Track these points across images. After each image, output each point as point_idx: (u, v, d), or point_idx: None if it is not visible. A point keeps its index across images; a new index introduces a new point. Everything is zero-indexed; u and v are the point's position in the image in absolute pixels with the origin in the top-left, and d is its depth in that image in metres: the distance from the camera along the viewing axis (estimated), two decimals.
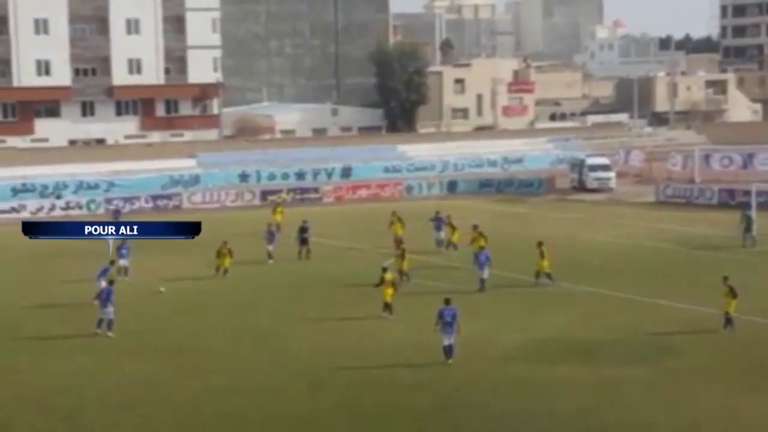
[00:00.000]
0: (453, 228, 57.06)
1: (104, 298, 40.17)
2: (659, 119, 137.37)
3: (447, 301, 36.08)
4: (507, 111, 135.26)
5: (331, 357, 36.66)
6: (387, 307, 42.13)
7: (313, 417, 30.56)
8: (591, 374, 33.96)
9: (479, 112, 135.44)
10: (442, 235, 58.36)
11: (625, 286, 46.86)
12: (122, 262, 50.95)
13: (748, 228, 57.25)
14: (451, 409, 30.93)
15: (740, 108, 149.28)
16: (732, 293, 39.02)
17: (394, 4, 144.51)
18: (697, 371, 34.18)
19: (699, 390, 32.18)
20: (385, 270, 43.25)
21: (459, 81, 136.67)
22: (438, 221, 59.10)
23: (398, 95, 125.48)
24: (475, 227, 52.85)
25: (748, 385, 32.61)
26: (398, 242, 51.85)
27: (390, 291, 42.30)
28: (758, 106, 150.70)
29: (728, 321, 38.95)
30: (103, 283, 42.46)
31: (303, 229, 56.91)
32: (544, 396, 31.82)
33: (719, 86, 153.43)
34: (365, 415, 30.71)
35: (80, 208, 76.74)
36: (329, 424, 30.08)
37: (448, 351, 35.38)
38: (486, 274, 46.93)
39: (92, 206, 77.06)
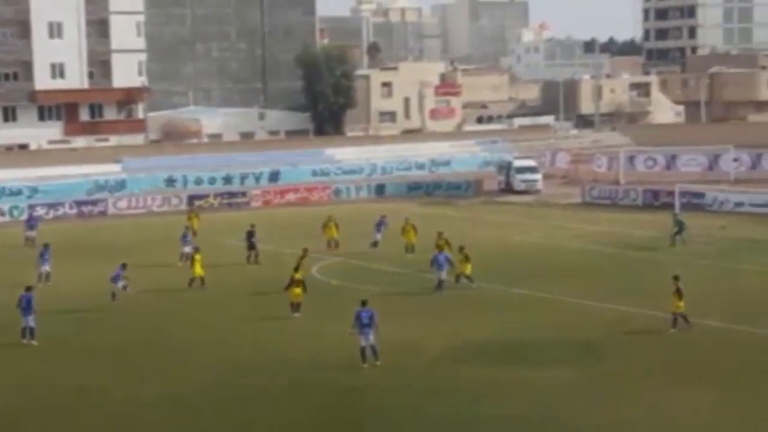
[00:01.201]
0: (414, 232, 56.92)
1: (24, 306, 39.49)
2: (585, 121, 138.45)
3: (364, 303, 35.96)
4: (434, 114, 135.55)
5: (265, 362, 36.39)
6: (295, 306, 42.54)
7: (248, 425, 30.30)
8: (521, 376, 33.97)
9: (407, 116, 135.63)
10: (380, 236, 58.28)
11: (554, 288, 47.05)
12: (44, 268, 50.32)
13: (679, 231, 57.60)
14: (382, 412, 30.78)
15: (663, 110, 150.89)
16: (679, 293, 39.29)
17: (320, 7, 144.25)
18: (626, 372, 34.33)
19: (628, 390, 32.30)
20: (296, 270, 43.55)
21: (386, 84, 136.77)
22: (380, 224, 59.07)
23: (326, 99, 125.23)
24: (440, 234, 52.73)
25: (678, 384, 32.79)
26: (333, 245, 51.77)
27: (298, 291, 42.59)
28: (681, 108, 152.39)
29: (675, 320, 39.13)
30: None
31: (250, 234, 56.29)
32: (474, 399, 31.76)
33: (643, 88, 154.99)
34: (301, 420, 30.44)
35: (2, 215, 75.57)
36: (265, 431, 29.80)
37: (368, 352, 35.30)
38: (444, 275, 46.99)
39: (15, 213, 75.90)
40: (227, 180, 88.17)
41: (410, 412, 30.83)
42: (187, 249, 54.99)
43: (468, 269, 47.68)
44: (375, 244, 58.53)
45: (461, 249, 48.40)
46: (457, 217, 71.28)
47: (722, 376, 33.52)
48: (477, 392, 32.43)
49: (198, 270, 49.08)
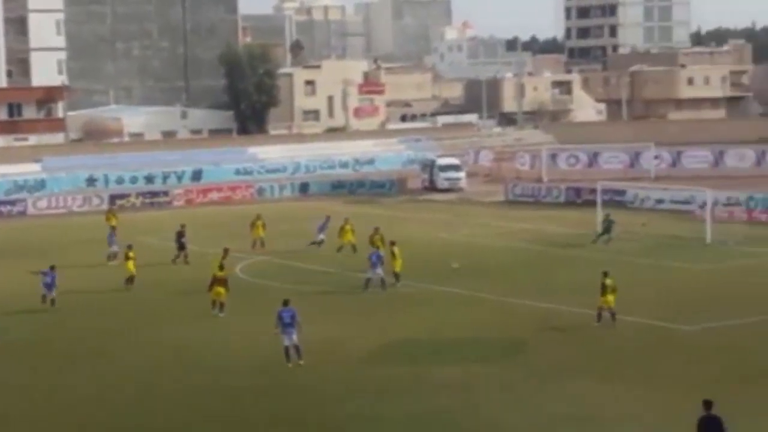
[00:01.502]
0: (353, 233, 56.60)
1: None
2: (507, 119, 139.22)
3: (285, 303, 35.80)
4: (358, 112, 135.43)
5: (186, 362, 36.11)
6: (217, 305, 42.34)
7: (176, 427, 30.00)
8: (446, 373, 33.95)
9: (330, 114, 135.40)
10: (323, 237, 57.95)
11: (478, 285, 47.12)
12: None
13: (606, 231, 57.71)
14: (307, 411, 30.60)
15: (585, 108, 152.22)
16: (604, 288, 39.53)
17: (243, 5, 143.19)
18: (550, 368, 34.44)
19: (551, 386, 32.41)
20: (222, 268, 43.41)
21: (310, 83, 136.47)
22: (324, 225, 58.78)
23: (249, 97, 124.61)
24: (377, 230, 52.58)
25: (602, 380, 32.96)
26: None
27: (221, 290, 42.36)
28: (602, 106, 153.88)
29: (600, 315, 39.45)
30: None
31: (180, 234, 55.57)
32: (399, 397, 31.69)
33: (565, 87, 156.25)
34: (233, 422, 30.17)
35: None
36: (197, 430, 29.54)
37: (292, 352, 35.15)
38: (376, 273, 46.84)
39: None
40: (149, 179, 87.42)
41: (329, 410, 30.67)
42: (115, 248, 54.49)
43: (397, 266, 47.62)
44: (319, 243, 58.02)
45: (392, 244, 48.40)
46: (382, 215, 71.13)
47: (645, 372, 33.75)
48: (398, 390, 32.33)
49: (131, 267, 48.55)
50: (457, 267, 51.07)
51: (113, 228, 57.97)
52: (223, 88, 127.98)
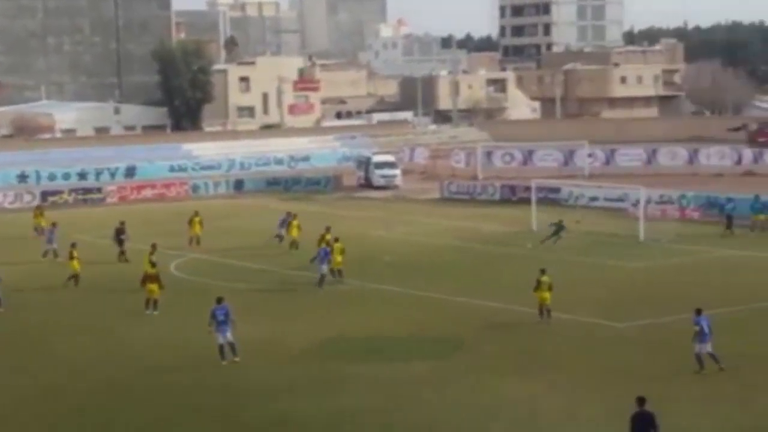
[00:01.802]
0: (298, 230, 56.27)
1: None
2: (443, 117, 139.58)
3: (219, 300, 35.67)
4: (293, 109, 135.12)
5: (127, 360, 35.77)
6: (151, 303, 42.11)
7: (107, 422, 29.69)
8: (379, 371, 33.93)
9: (265, 111, 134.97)
10: (284, 232, 57.57)
11: (414, 283, 47.15)
12: None
13: (557, 232, 57.49)
14: (240, 408, 30.45)
15: (520, 106, 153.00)
16: (538, 285, 39.78)
17: (176, 1, 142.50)
18: (484, 366, 34.51)
19: (487, 384, 32.48)
20: (153, 265, 43.40)
21: (244, 79, 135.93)
22: (285, 221, 58.40)
23: (183, 93, 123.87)
24: (328, 229, 52.40)
25: (536, 377, 33.11)
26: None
27: (154, 287, 42.14)
28: (537, 104, 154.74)
29: (548, 312, 39.67)
30: None
31: (119, 231, 55.00)
32: (333, 394, 31.62)
33: (499, 84, 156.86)
34: (163, 419, 29.95)
35: None
36: (127, 429, 29.27)
37: (227, 349, 35.00)
38: (324, 269, 46.77)
39: None
40: (82, 176, 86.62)
41: (262, 408, 30.54)
42: (54, 245, 54.10)
43: (336, 261, 47.54)
44: (280, 238, 57.76)
45: (336, 240, 48.43)
46: (317, 213, 70.99)
47: (580, 369, 33.92)
48: (331, 387, 32.32)
49: (75, 266, 48.08)
50: (389, 260, 51.09)
51: (54, 225, 57.04)
52: (156, 85, 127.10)
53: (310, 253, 49.42)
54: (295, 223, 56.71)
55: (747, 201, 62.19)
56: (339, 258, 47.78)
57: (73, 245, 49.61)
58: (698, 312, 33.41)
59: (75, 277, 48.10)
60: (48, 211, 65.95)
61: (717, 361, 32.79)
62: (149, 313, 42.07)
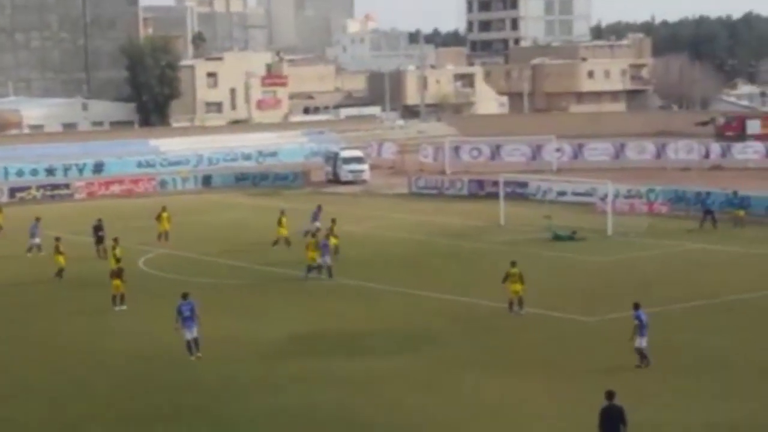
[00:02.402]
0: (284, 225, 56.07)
1: None
2: (411, 112, 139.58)
3: (185, 296, 35.69)
4: (261, 105, 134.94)
5: (97, 357, 35.73)
6: (117, 299, 42.04)
7: (78, 421, 29.64)
8: (351, 366, 33.99)
9: (233, 106, 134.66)
10: (318, 224, 57.16)
11: (383, 278, 47.24)
12: None
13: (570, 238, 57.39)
14: (209, 405, 30.41)
15: (487, 100, 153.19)
16: (505, 277, 39.95)
17: None
18: (452, 360, 34.62)
19: (456, 378, 32.59)
20: (118, 260, 43.51)
21: (212, 75, 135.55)
22: (317, 214, 58.60)
23: (150, 89, 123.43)
24: (334, 222, 52.53)
25: (504, 371, 33.23)
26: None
27: (117, 282, 42.12)
28: (505, 99, 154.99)
29: (511, 304, 39.91)
30: None
31: (97, 228, 54.77)
32: (306, 389, 31.66)
33: (467, 79, 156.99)
34: (133, 417, 29.88)
35: None
36: (96, 427, 29.15)
37: (193, 345, 35.06)
38: (328, 261, 47.18)
39: None
40: (50, 171, 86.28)
41: (231, 404, 30.52)
42: (37, 240, 53.95)
43: (311, 256, 47.62)
44: (314, 232, 57.19)
45: (312, 236, 48.63)
46: (285, 208, 71.00)
47: (548, 363, 34.07)
48: (300, 383, 32.31)
49: (61, 260, 48.21)
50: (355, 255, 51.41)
51: (37, 219, 56.69)
52: (124, 80, 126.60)
53: (302, 249, 49.18)
54: (283, 219, 56.42)
55: (721, 195, 62.82)
56: (313, 254, 47.79)
57: (58, 239, 49.55)
58: (636, 307, 33.56)
59: (61, 271, 48.02)
60: (16, 207, 65.77)
61: (645, 357, 32.90)
62: (117, 309, 41.99)
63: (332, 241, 49.72)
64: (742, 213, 60.87)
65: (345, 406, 30.30)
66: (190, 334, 35.09)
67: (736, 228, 59.62)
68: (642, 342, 33.05)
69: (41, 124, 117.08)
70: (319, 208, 59.72)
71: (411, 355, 35.43)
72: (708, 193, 63.13)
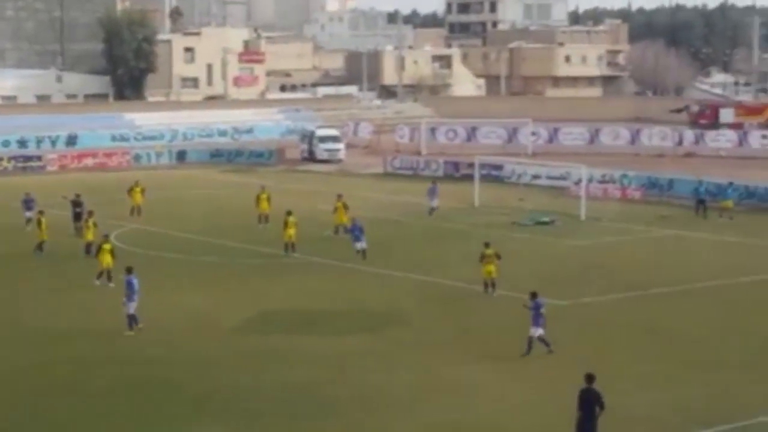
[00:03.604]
0: (268, 203, 55.66)
1: None
2: (388, 92, 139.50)
3: (129, 270, 35.50)
4: (237, 81, 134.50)
5: (61, 334, 35.48)
6: (104, 274, 41.36)
7: (38, 398, 29.45)
8: (320, 345, 33.92)
9: (209, 82, 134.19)
10: (436, 203, 57.54)
11: (355, 257, 47.10)
12: None
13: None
14: (183, 381, 30.31)
15: (465, 82, 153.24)
16: (497, 256, 40.02)
17: None
18: (427, 340, 34.61)
19: (427, 359, 32.57)
20: (106, 237, 43.02)
21: (189, 50, 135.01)
22: (433, 191, 59.01)
23: (126, 63, 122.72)
24: (339, 197, 52.30)
25: (477, 353, 33.19)
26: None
27: (108, 258, 41.36)
28: (482, 81, 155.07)
29: (492, 285, 39.94)
30: None
31: (76, 203, 53.25)
32: (275, 368, 31.56)
33: (445, 61, 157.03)
34: (95, 393, 29.70)
35: None
36: (58, 404, 28.94)
37: (133, 319, 34.96)
38: (363, 244, 46.77)
39: None
40: (22, 143, 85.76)
41: (199, 380, 30.42)
42: (29, 214, 52.93)
43: (288, 234, 47.44)
44: (432, 210, 58.37)
45: (289, 213, 48.31)
46: (260, 185, 70.89)
47: (520, 346, 34.03)
48: (262, 361, 32.23)
49: (43, 234, 47.59)
50: (327, 234, 51.29)
51: (28, 194, 55.66)
52: (100, 53, 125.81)
53: (280, 227, 48.81)
54: (263, 196, 55.92)
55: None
56: (291, 231, 47.65)
57: (41, 212, 49.00)
58: (533, 295, 33.24)
59: (41, 243, 47.57)
60: None
61: (547, 345, 32.64)
62: (99, 283, 41.35)
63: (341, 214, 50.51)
64: (730, 203, 60.08)
65: (312, 384, 30.19)
66: (133, 308, 34.94)
67: (722, 218, 59.00)
68: (536, 331, 32.63)
69: (14, 95, 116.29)
70: (435, 183, 59.59)
71: (382, 334, 35.38)
72: (700, 181, 62.17)
